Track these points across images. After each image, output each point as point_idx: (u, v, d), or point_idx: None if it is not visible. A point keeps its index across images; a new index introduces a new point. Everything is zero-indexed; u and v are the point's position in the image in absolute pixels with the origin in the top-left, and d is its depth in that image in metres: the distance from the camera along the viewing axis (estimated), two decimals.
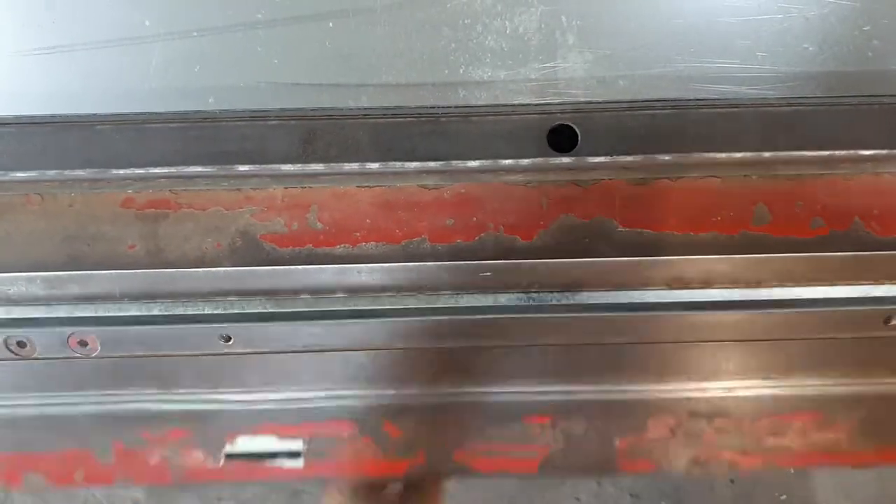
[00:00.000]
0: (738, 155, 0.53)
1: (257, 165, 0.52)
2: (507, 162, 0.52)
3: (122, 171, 0.53)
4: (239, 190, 0.57)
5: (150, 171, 0.53)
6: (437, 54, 0.54)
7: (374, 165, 0.53)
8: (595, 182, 0.57)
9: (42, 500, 1.91)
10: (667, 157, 0.52)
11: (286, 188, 0.57)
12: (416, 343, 0.60)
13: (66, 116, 0.53)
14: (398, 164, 0.53)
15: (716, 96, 0.53)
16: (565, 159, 0.52)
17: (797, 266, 0.56)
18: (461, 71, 0.54)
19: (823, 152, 0.53)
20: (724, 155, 0.53)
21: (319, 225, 0.57)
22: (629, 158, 0.52)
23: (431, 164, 0.53)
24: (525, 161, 0.52)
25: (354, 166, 0.53)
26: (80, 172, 0.53)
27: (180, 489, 1.84)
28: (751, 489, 1.86)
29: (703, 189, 0.57)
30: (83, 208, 0.57)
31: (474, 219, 0.57)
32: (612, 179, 0.57)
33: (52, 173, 0.53)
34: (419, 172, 0.54)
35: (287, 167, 0.53)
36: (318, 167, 0.53)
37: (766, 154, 0.53)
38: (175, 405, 0.70)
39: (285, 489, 1.91)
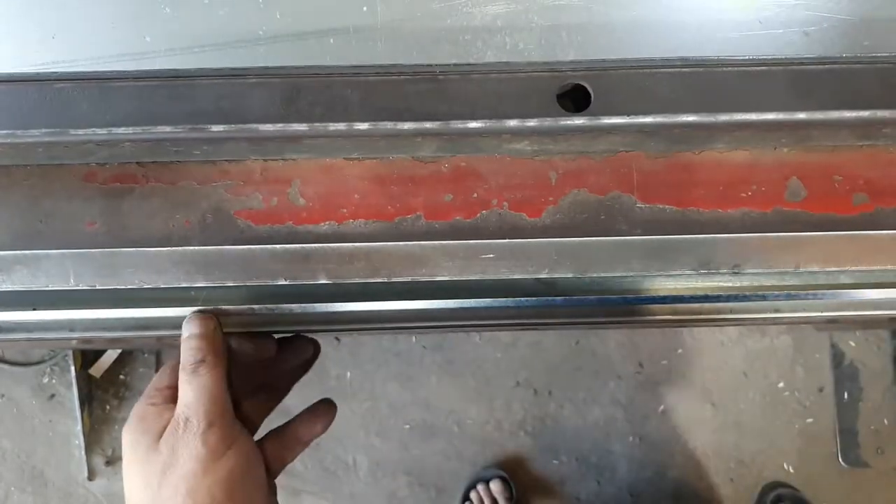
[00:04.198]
0: (770, 116, 0.45)
1: (233, 125, 0.45)
2: (513, 123, 0.45)
3: (81, 132, 0.45)
4: (213, 163, 0.49)
5: (114, 132, 0.45)
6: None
7: (364, 126, 0.45)
8: (610, 154, 0.49)
9: (42, 499, 1.77)
10: (689, 118, 0.45)
11: (266, 161, 0.49)
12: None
13: (24, 75, 0.46)
14: (390, 124, 0.45)
15: (742, 55, 0.46)
16: (577, 120, 0.45)
17: (841, 246, 0.48)
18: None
19: (863, 112, 0.45)
20: (753, 116, 0.45)
21: (302, 201, 0.49)
22: (647, 119, 0.45)
23: (428, 125, 0.45)
24: (532, 122, 0.45)
25: (341, 126, 0.45)
26: (35, 133, 0.45)
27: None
28: (752, 487, 1.73)
29: (730, 162, 0.49)
30: (40, 182, 0.49)
31: (475, 194, 0.49)
32: (629, 151, 0.49)
33: (2, 133, 0.45)
34: (414, 135, 0.46)
35: (266, 127, 0.45)
36: (300, 127, 0.45)
37: (801, 115, 0.45)
38: None
39: (286, 489, 1.77)
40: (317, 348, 0.63)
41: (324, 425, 0.59)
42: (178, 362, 0.53)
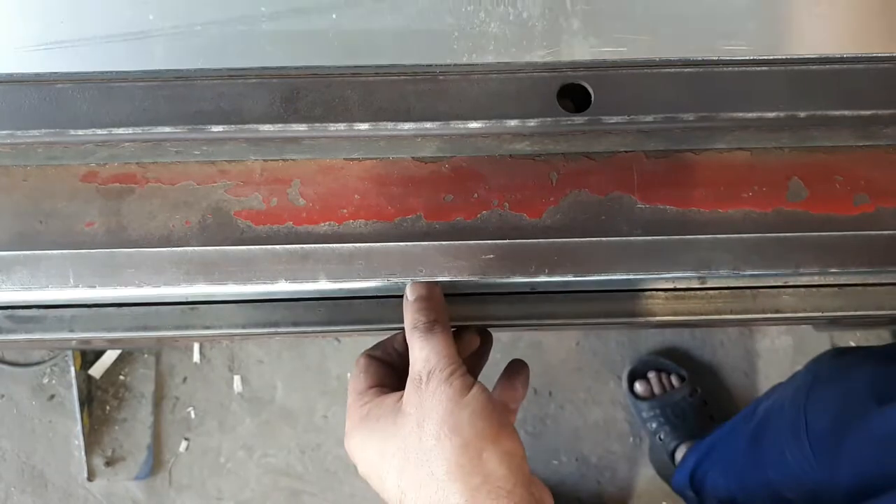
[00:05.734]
0: (770, 116, 0.45)
1: (233, 126, 0.45)
2: (513, 123, 0.45)
3: (81, 132, 0.45)
4: (213, 163, 0.49)
5: (114, 132, 0.45)
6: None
7: (364, 126, 0.45)
8: (610, 154, 0.49)
9: (42, 499, 1.76)
10: (690, 116, 0.45)
11: (265, 161, 0.49)
12: None
13: (24, 75, 0.46)
14: (390, 124, 0.45)
15: (742, 55, 0.46)
16: (577, 119, 0.45)
17: (842, 245, 0.48)
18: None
19: (864, 112, 0.45)
20: (753, 115, 0.45)
21: (302, 201, 0.49)
22: (648, 119, 0.45)
23: (428, 126, 0.45)
24: (532, 122, 0.45)
25: (341, 127, 0.45)
26: (34, 133, 0.45)
27: (177, 490, 1.70)
28: None
29: (731, 162, 0.49)
30: (39, 182, 0.49)
31: (476, 195, 0.49)
32: (630, 151, 0.49)
33: (2, 134, 0.45)
34: (414, 136, 0.46)
35: (266, 128, 0.45)
36: (300, 128, 0.45)
37: (802, 115, 0.45)
38: None
39: (285, 490, 1.76)
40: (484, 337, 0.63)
41: (523, 387, 0.59)
42: (376, 366, 0.56)
